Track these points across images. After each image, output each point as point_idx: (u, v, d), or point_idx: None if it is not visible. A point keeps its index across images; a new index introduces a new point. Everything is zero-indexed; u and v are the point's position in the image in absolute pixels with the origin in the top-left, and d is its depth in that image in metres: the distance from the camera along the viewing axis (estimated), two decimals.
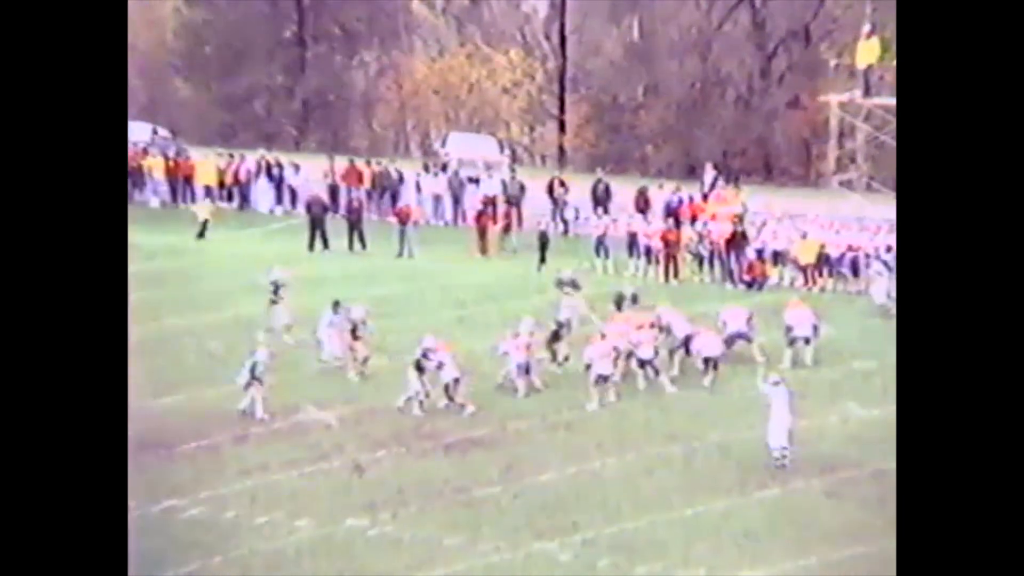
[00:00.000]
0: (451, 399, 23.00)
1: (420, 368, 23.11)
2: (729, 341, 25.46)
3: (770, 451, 20.80)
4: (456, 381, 23.04)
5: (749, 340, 25.66)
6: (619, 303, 26.86)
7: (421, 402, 22.86)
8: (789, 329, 25.65)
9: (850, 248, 31.39)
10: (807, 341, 25.63)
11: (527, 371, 23.78)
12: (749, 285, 31.32)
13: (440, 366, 23.11)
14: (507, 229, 35.23)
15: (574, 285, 27.68)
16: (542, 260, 33.23)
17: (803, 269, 31.22)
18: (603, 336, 24.24)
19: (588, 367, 23.54)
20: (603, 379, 23.38)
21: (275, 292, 27.02)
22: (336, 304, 25.54)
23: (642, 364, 24.09)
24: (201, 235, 35.48)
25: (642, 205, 35.75)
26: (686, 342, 24.95)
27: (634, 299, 27.05)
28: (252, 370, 22.61)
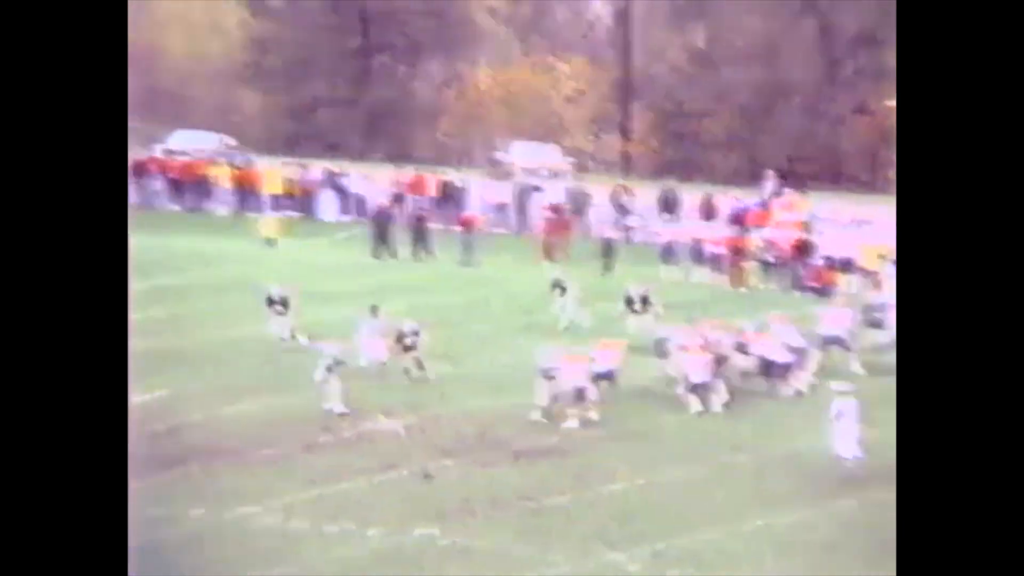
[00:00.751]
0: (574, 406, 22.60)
1: (549, 377, 22.86)
2: (822, 345, 25.08)
3: (841, 461, 20.44)
4: (582, 391, 22.68)
5: (848, 348, 25.19)
6: (629, 303, 26.35)
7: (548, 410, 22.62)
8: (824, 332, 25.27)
9: None
10: (842, 344, 25.09)
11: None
12: (816, 292, 30.93)
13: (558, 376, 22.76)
14: (571, 236, 35.13)
15: (644, 302, 27.27)
16: (607, 267, 33.02)
17: (869, 276, 30.83)
18: (699, 345, 23.82)
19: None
20: (699, 387, 23.10)
21: (280, 305, 26.49)
22: (374, 308, 25.34)
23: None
24: (269, 244, 35.61)
25: (708, 212, 35.51)
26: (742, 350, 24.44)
27: (644, 301, 26.75)
28: (328, 367, 22.66)
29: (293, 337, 26.12)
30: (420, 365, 24.49)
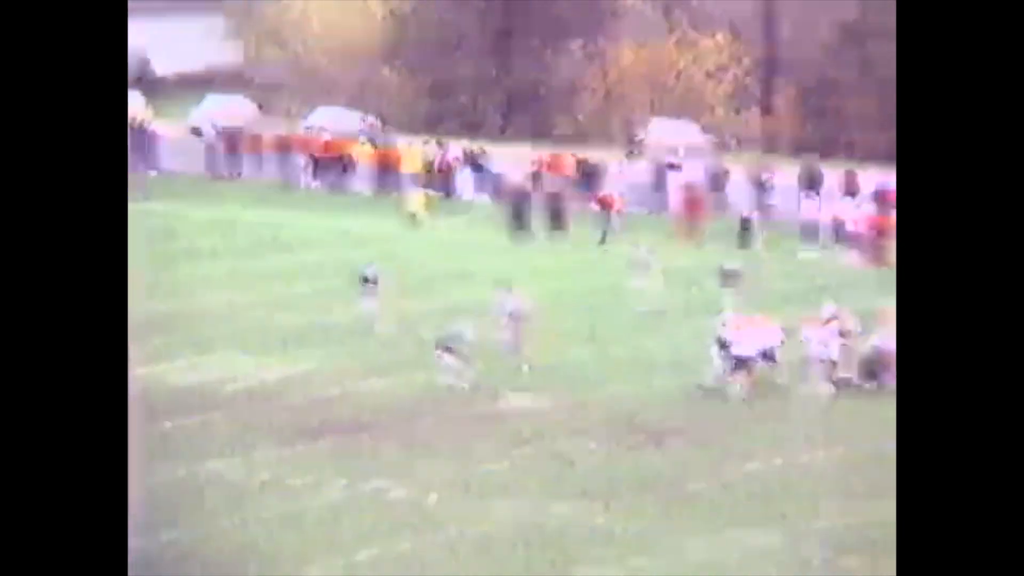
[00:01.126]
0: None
1: (723, 344, 22.93)
2: None
3: None
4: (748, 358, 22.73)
5: None
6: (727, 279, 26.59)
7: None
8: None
9: None
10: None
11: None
12: None
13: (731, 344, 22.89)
14: (709, 215, 34.93)
15: (735, 276, 27.04)
16: (746, 246, 32.78)
17: None
18: (828, 321, 23.58)
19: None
20: (832, 363, 22.87)
21: (369, 283, 26.54)
22: (509, 287, 25.40)
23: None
24: (413, 221, 36.01)
25: (850, 189, 35.01)
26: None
27: (734, 276, 26.51)
28: (445, 344, 22.85)
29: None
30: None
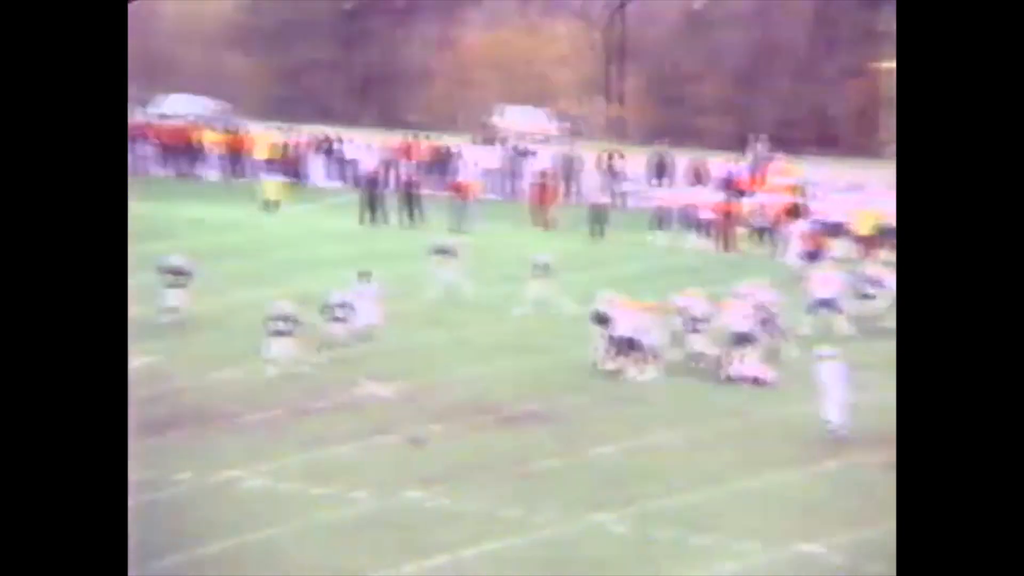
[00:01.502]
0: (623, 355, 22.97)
1: (601, 321, 23.05)
2: (812, 309, 25.37)
3: (826, 425, 20.76)
4: (631, 341, 22.97)
5: (839, 310, 25.46)
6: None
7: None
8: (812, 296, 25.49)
9: None
10: (834, 307, 25.33)
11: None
12: (807, 257, 31.18)
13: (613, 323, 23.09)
14: (561, 202, 35.34)
15: (546, 269, 27.16)
16: (598, 233, 33.23)
17: (860, 240, 31.02)
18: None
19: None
20: (744, 339, 23.27)
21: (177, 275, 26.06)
22: (366, 274, 25.52)
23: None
24: (269, 208, 35.75)
25: (699, 177, 35.69)
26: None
27: (546, 268, 26.68)
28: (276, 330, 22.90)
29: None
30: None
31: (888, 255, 29.77)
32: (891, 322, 25.88)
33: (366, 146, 39.10)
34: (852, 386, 21.09)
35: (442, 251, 28.16)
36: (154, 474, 18.60)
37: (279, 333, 23.07)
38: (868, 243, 30.75)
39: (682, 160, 37.06)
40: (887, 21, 44.41)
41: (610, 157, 37.19)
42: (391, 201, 35.19)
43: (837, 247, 31.39)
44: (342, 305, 24.37)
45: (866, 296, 26.13)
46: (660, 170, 36.60)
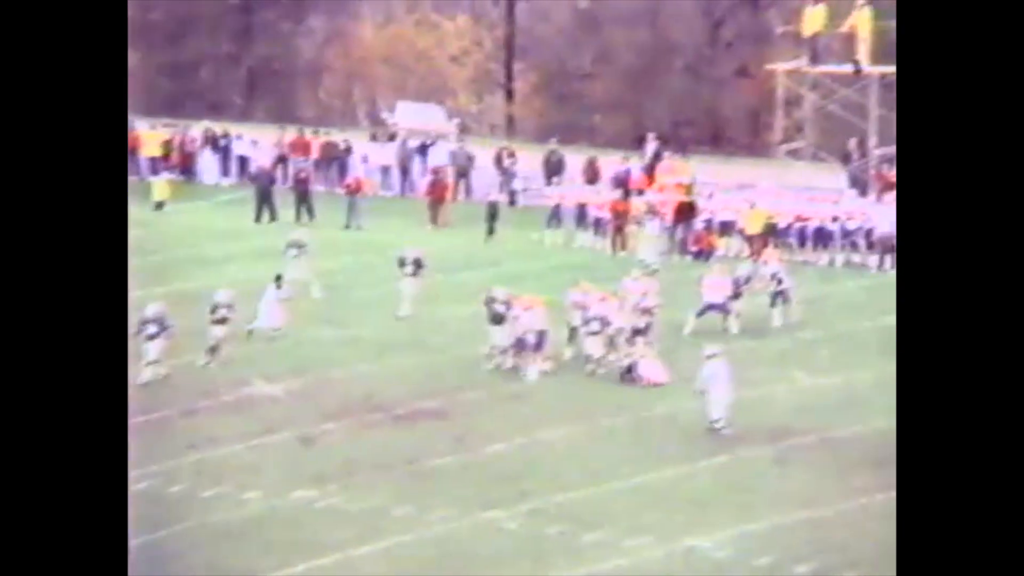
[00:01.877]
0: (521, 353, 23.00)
1: (496, 319, 23.17)
2: (702, 312, 25.76)
3: (712, 423, 21.14)
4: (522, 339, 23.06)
5: (726, 312, 25.82)
6: (402, 264, 26.70)
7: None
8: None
9: (798, 218, 31.76)
10: (723, 310, 25.75)
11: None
12: (697, 255, 31.61)
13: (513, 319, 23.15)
14: (455, 199, 35.43)
15: (417, 264, 26.96)
16: (491, 231, 33.38)
17: (749, 239, 31.51)
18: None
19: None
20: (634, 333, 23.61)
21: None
22: (279, 278, 25.55)
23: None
24: (159, 208, 35.37)
25: (591, 176, 35.95)
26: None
27: (416, 264, 26.70)
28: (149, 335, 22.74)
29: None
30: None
31: (776, 252, 30.32)
32: (779, 320, 26.42)
33: (256, 142, 38.81)
34: (738, 383, 21.48)
35: (295, 245, 27.98)
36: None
37: (151, 337, 22.79)
38: (757, 241, 31.22)
39: (575, 158, 37.33)
40: (773, 21, 45.10)
41: (504, 155, 37.36)
42: (284, 198, 35.01)
43: (726, 246, 31.86)
44: (229, 305, 24.18)
45: (765, 293, 26.50)
46: (553, 168, 36.83)
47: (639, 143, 38.05)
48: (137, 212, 34.92)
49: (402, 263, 27.03)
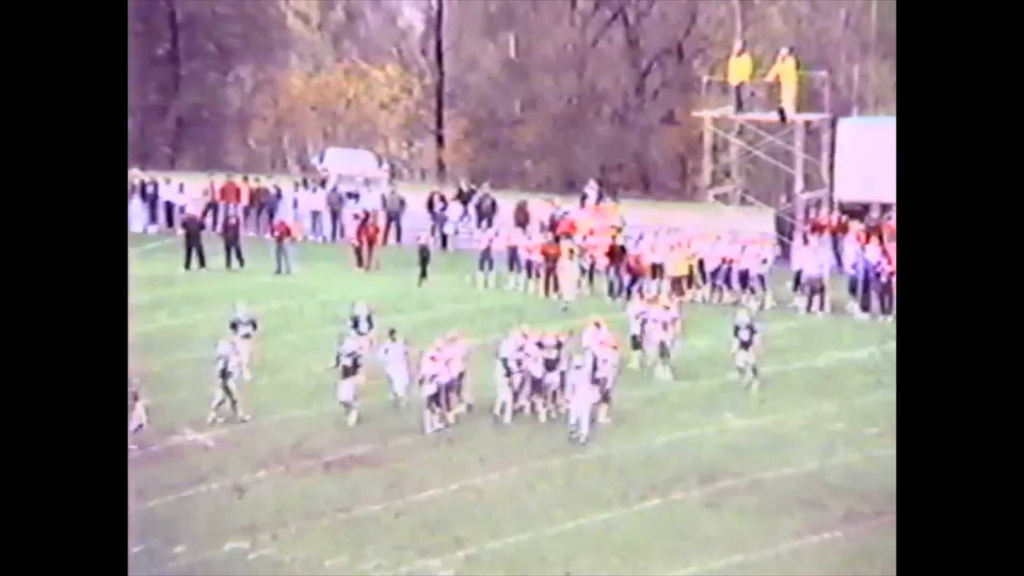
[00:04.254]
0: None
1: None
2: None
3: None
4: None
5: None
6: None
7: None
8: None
9: (724, 260, 31.80)
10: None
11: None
12: (633, 282, 31.40)
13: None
14: (385, 243, 35.22)
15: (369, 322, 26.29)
16: (423, 275, 33.17)
17: (675, 281, 31.47)
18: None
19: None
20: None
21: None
22: (234, 324, 24.93)
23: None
24: None
25: (522, 219, 35.87)
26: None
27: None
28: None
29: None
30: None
31: (694, 293, 30.22)
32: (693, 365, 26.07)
33: (182, 187, 38.38)
34: (671, 425, 21.36)
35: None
36: None
37: None
38: (680, 283, 31.19)
39: (506, 203, 37.27)
40: (698, 70, 45.56)
41: (434, 199, 37.22)
42: (213, 244, 34.60)
43: (651, 287, 31.74)
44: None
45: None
46: (484, 212, 36.73)
47: (569, 187, 38.09)
48: None
49: (356, 322, 26.22)
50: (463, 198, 37.17)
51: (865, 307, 30.01)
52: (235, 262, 34.09)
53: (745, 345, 24.98)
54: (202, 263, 34.13)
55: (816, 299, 30.33)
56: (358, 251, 34.45)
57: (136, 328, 26.67)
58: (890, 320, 28.67)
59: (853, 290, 30.20)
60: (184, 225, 35.54)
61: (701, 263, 31.68)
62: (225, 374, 23.20)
